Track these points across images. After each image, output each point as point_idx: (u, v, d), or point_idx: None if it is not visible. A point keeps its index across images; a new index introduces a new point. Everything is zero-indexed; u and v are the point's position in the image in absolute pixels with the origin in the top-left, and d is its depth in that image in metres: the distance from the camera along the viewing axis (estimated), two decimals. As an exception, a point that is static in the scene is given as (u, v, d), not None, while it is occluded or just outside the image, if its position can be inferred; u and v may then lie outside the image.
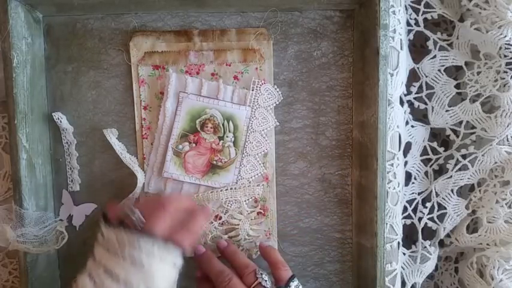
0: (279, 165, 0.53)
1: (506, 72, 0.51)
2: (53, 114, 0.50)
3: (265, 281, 0.45)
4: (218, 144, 0.51)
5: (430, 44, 0.55)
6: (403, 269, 0.59)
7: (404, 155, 0.56)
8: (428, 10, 0.54)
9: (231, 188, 0.51)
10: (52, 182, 0.52)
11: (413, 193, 0.59)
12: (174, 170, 0.51)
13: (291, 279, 0.46)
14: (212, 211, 0.52)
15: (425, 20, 0.55)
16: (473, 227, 0.59)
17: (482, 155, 0.55)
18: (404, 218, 0.58)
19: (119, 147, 0.51)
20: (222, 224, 0.52)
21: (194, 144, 0.51)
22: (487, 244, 0.57)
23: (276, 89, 0.51)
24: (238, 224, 0.52)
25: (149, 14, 0.50)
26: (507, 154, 0.54)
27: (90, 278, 0.39)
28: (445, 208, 0.57)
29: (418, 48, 0.58)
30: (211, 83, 0.51)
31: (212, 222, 0.52)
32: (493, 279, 0.54)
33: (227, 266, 0.48)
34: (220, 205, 0.52)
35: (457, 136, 0.56)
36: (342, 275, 0.54)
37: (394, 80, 0.52)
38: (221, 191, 0.51)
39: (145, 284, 0.38)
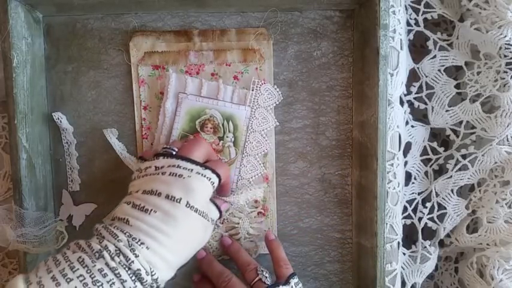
0: (279, 165, 0.53)
1: (506, 72, 0.51)
2: (53, 114, 0.50)
3: (266, 277, 0.46)
4: (218, 144, 0.51)
5: (430, 44, 0.55)
6: (403, 269, 0.59)
7: (404, 155, 0.56)
8: (428, 10, 0.54)
9: (232, 194, 0.51)
10: (52, 182, 0.52)
11: (413, 193, 0.59)
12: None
13: (291, 276, 0.46)
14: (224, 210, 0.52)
15: (425, 20, 0.55)
16: (473, 227, 0.59)
17: (482, 155, 0.55)
18: (404, 218, 0.58)
19: (118, 147, 0.51)
20: (222, 222, 0.52)
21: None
22: (487, 244, 0.57)
23: (276, 89, 0.51)
24: (238, 223, 0.52)
25: (149, 14, 0.50)
26: (507, 154, 0.54)
27: (127, 203, 0.40)
28: (445, 208, 0.57)
29: (418, 48, 0.58)
30: (211, 83, 0.51)
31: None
32: (493, 279, 0.54)
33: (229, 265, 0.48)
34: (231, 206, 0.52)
35: (457, 136, 0.56)
36: (342, 275, 0.54)
37: (394, 80, 0.52)
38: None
39: (186, 195, 0.39)
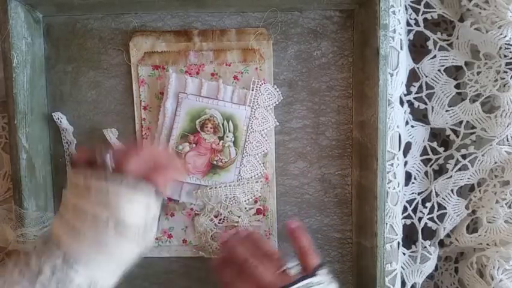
0: (279, 165, 0.53)
1: (506, 72, 0.51)
2: (53, 114, 0.50)
3: (294, 266, 0.44)
4: (218, 144, 0.51)
5: (430, 44, 0.55)
6: (403, 269, 0.59)
7: (404, 155, 0.56)
8: (428, 10, 0.54)
9: (230, 185, 0.51)
10: (52, 182, 0.52)
11: (413, 193, 0.58)
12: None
13: (319, 267, 0.44)
14: (212, 208, 0.52)
15: (425, 20, 0.55)
16: (473, 227, 0.59)
17: (482, 155, 0.55)
18: (404, 218, 0.58)
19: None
20: (222, 221, 0.52)
21: (194, 145, 0.51)
22: (487, 244, 0.57)
23: (275, 89, 0.51)
24: (237, 221, 0.52)
25: (149, 14, 0.50)
26: (507, 154, 0.54)
27: (59, 218, 0.39)
28: (445, 208, 0.57)
29: (418, 48, 0.58)
30: (211, 83, 0.51)
31: (212, 220, 0.52)
32: (493, 279, 0.54)
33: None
34: (220, 202, 0.52)
35: (457, 136, 0.56)
36: (342, 275, 0.54)
37: (394, 80, 0.52)
38: (220, 187, 0.51)
39: (115, 216, 0.37)
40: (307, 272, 0.44)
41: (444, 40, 0.55)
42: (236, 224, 0.52)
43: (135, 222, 0.38)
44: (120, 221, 0.37)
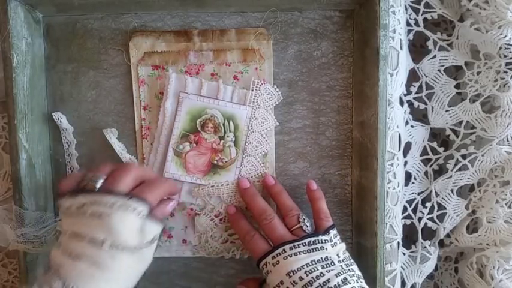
0: (279, 165, 0.53)
1: (506, 72, 0.51)
2: (52, 114, 0.50)
3: (307, 226, 0.46)
4: (219, 144, 0.51)
5: (430, 44, 0.55)
6: (403, 269, 0.59)
7: (404, 155, 0.56)
8: (428, 10, 0.54)
9: (231, 184, 0.51)
10: (52, 182, 0.52)
11: (413, 193, 0.59)
12: (175, 170, 0.51)
13: (331, 227, 0.46)
14: (212, 207, 0.52)
15: (425, 20, 0.55)
16: (473, 227, 0.59)
17: (482, 155, 0.55)
18: (404, 218, 0.58)
19: (118, 147, 0.51)
20: (222, 220, 0.52)
21: (195, 144, 0.51)
22: (487, 244, 0.57)
23: (275, 89, 0.51)
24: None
25: (149, 14, 0.50)
26: (507, 154, 0.54)
27: (58, 247, 0.39)
28: (445, 208, 0.57)
29: (418, 48, 0.58)
30: (211, 83, 0.51)
31: (213, 219, 0.52)
32: (493, 279, 0.54)
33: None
34: (220, 201, 0.52)
35: (457, 136, 0.56)
36: (341, 275, 0.54)
37: (394, 80, 0.52)
38: (222, 185, 0.51)
39: (109, 236, 0.37)
40: (318, 232, 0.46)
41: (444, 40, 0.55)
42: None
43: (131, 240, 0.39)
44: (116, 240, 0.38)
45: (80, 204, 0.39)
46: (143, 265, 0.41)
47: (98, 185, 0.40)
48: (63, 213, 0.41)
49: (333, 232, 0.46)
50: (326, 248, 0.44)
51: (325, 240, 0.45)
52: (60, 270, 0.37)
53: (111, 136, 0.50)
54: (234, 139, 0.51)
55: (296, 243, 0.44)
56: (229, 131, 0.51)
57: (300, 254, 0.43)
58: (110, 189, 0.40)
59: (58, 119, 0.50)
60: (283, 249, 0.44)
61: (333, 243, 0.45)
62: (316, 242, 0.44)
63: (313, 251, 0.44)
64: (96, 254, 0.37)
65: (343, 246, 0.46)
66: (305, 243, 0.44)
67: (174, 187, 0.47)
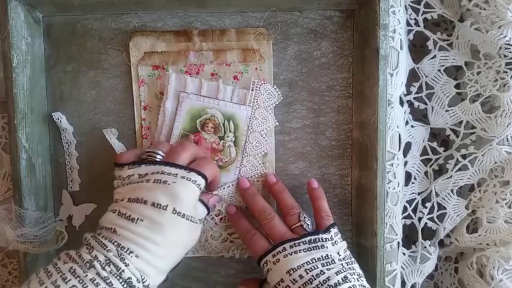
0: (279, 165, 0.53)
1: (506, 72, 0.51)
2: (52, 114, 0.50)
3: (308, 224, 0.46)
4: (219, 144, 0.51)
5: (430, 44, 0.55)
6: (403, 269, 0.59)
7: (404, 155, 0.56)
8: (428, 10, 0.54)
9: (232, 184, 0.51)
10: (52, 182, 0.52)
11: (413, 193, 0.59)
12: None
13: (332, 226, 0.46)
14: (212, 207, 0.52)
15: (425, 20, 0.55)
16: (473, 227, 0.59)
17: (482, 155, 0.55)
18: (404, 218, 0.58)
19: (118, 147, 0.51)
20: (222, 219, 0.52)
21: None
22: (487, 244, 0.57)
23: (275, 89, 0.51)
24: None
25: (149, 14, 0.50)
26: (507, 154, 0.54)
27: (113, 211, 0.40)
28: (445, 208, 0.57)
29: (418, 48, 0.58)
30: (211, 83, 0.51)
31: (213, 218, 0.52)
32: (492, 279, 0.54)
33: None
34: (221, 201, 0.52)
35: (457, 136, 0.56)
36: (341, 275, 0.54)
37: (394, 80, 0.52)
38: (224, 188, 0.51)
39: (172, 202, 0.39)
40: (319, 230, 0.46)
41: (444, 40, 0.55)
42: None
43: (190, 210, 0.41)
44: (179, 207, 0.39)
45: (144, 173, 0.42)
46: (192, 240, 0.43)
47: (158, 158, 0.43)
48: (120, 181, 0.43)
49: (334, 230, 0.46)
50: (327, 247, 0.44)
51: (325, 239, 0.45)
52: (116, 232, 0.38)
53: (111, 136, 0.50)
54: (233, 139, 0.51)
55: (297, 242, 0.44)
56: (229, 131, 0.51)
57: (300, 252, 0.43)
58: (171, 162, 0.42)
59: (58, 119, 0.50)
60: (284, 248, 0.44)
61: (333, 241, 0.45)
62: (317, 240, 0.44)
63: (313, 249, 0.44)
64: (159, 216, 0.39)
65: (344, 244, 0.46)
66: (305, 241, 0.44)
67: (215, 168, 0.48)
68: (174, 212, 0.39)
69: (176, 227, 0.39)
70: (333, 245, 0.45)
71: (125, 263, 0.37)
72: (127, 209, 0.39)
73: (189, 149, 0.44)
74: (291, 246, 0.44)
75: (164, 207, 0.39)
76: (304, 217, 0.47)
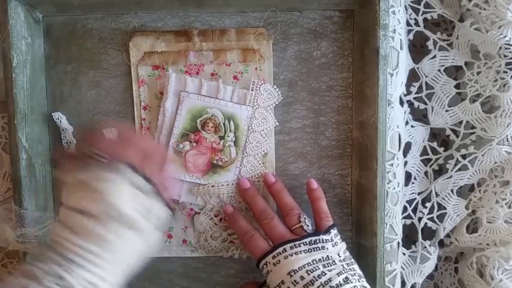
0: (279, 165, 0.53)
1: (506, 72, 0.51)
2: (52, 114, 0.50)
3: (308, 226, 0.46)
4: (219, 143, 0.51)
5: (430, 44, 0.55)
6: (403, 269, 0.59)
7: (404, 155, 0.56)
8: (428, 10, 0.54)
9: (232, 184, 0.51)
10: (52, 182, 0.52)
11: (413, 193, 0.58)
12: (174, 169, 0.51)
13: (331, 227, 0.46)
14: (212, 207, 0.52)
15: (425, 20, 0.55)
16: (473, 227, 0.59)
17: (482, 155, 0.55)
18: (404, 218, 0.58)
19: (118, 147, 0.51)
20: (222, 219, 0.52)
21: (195, 144, 0.51)
22: (487, 244, 0.57)
23: (275, 89, 0.51)
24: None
25: (149, 14, 0.50)
26: (507, 154, 0.54)
27: (59, 222, 0.38)
28: (445, 208, 0.57)
29: (418, 48, 0.58)
30: (210, 83, 0.51)
31: (212, 219, 0.52)
32: (492, 279, 0.54)
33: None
34: (220, 201, 0.52)
35: (457, 136, 0.56)
36: (341, 275, 0.54)
37: (394, 80, 0.52)
38: (222, 185, 0.51)
39: (107, 209, 0.36)
40: (319, 231, 0.46)
41: (444, 40, 0.55)
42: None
43: (129, 211, 0.37)
44: (115, 213, 0.36)
45: (80, 178, 0.38)
46: (146, 248, 0.39)
47: (99, 159, 0.39)
48: (63, 185, 0.39)
49: (334, 232, 0.46)
50: (327, 248, 0.44)
51: (326, 240, 0.45)
52: (60, 245, 0.36)
53: (111, 136, 0.50)
54: (234, 139, 0.51)
55: (297, 243, 0.44)
56: (230, 131, 0.51)
57: (301, 253, 0.43)
58: (110, 165, 0.38)
59: (58, 119, 0.50)
60: (284, 249, 0.44)
61: (333, 242, 0.45)
62: (317, 241, 0.44)
63: (314, 251, 0.44)
64: (95, 226, 0.36)
65: (343, 245, 0.46)
66: (306, 242, 0.44)
67: (166, 158, 0.45)
68: (112, 218, 0.36)
69: (116, 236, 0.36)
70: (333, 246, 0.45)
71: (73, 275, 0.35)
72: (68, 220, 0.37)
73: (132, 145, 0.40)
74: (291, 247, 0.44)
75: (99, 216, 0.36)
76: (305, 218, 0.46)
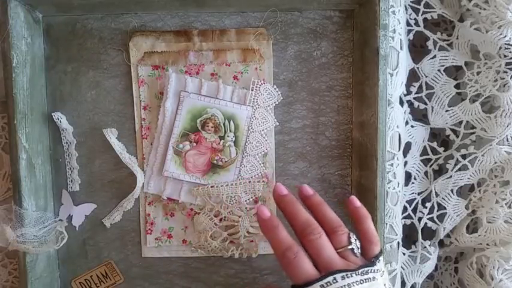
0: (278, 165, 0.53)
1: (506, 72, 0.51)
2: (52, 114, 0.50)
3: (358, 248, 0.40)
4: (219, 143, 0.51)
5: (429, 44, 0.55)
6: (403, 269, 0.59)
7: (404, 155, 0.56)
8: (428, 10, 0.54)
9: (231, 184, 0.51)
10: (52, 182, 0.52)
11: (413, 193, 0.59)
12: (174, 169, 0.51)
13: (379, 255, 0.41)
14: (212, 207, 0.52)
15: (425, 20, 0.55)
16: (473, 227, 0.59)
17: (482, 155, 0.55)
18: (404, 218, 0.58)
19: (118, 147, 0.51)
20: (222, 220, 0.52)
21: (195, 144, 0.51)
22: (487, 244, 0.57)
23: (275, 89, 0.51)
24: (238, 221, 0.52)
25: (149, 14, 0.50)
26: (507, 154, 0.54)
27: None
28: (445, 208, 0.57)
29: (418, 48, 0.58)
30: (210, 83, 0.51)
31: (212, 219, 0.52)
32: (492, 279, 0.54)
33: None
34: (220, 201, 0.52)
35: (457, 136, 0.56)
36: (341, 275, 0.54)
37: (394, 80, 0.52)
38: (222, 186, 0.51)
39: None
40: (367, 258, 0.41)
41: (444, 40, 0.55)
42: (236, 224, 0.52)
43: None
44: None
45: None
46: None
47: None
48: None
49: (382, 258, 0.41)
50: (377, 279, 0.39)
51: (377, 270, 0.39)
52: None
53: (111, 136, 0.50)
54: (234, 139, 0.51)
55: (349, 273, 0.38)
56: (230, 131, 0.51)
57: (353, 285, 0.37)
58: None
59: (58, 119, 0.50)
60: (335, 278, 0.37)
61: (382, 272, 0.40)
62: (369, 271, 0.39)
63: (365, 282, 0.38)
64: None
65: (387, 273, 0.41)
66: (358, 272, 0.38)
67: None
68: None
69: None
70: (381, 276, 0.40)
71: None
72: None
73: None
74: (342, 278, 0.38)
75: None
76: (355, 239, 0.40)
